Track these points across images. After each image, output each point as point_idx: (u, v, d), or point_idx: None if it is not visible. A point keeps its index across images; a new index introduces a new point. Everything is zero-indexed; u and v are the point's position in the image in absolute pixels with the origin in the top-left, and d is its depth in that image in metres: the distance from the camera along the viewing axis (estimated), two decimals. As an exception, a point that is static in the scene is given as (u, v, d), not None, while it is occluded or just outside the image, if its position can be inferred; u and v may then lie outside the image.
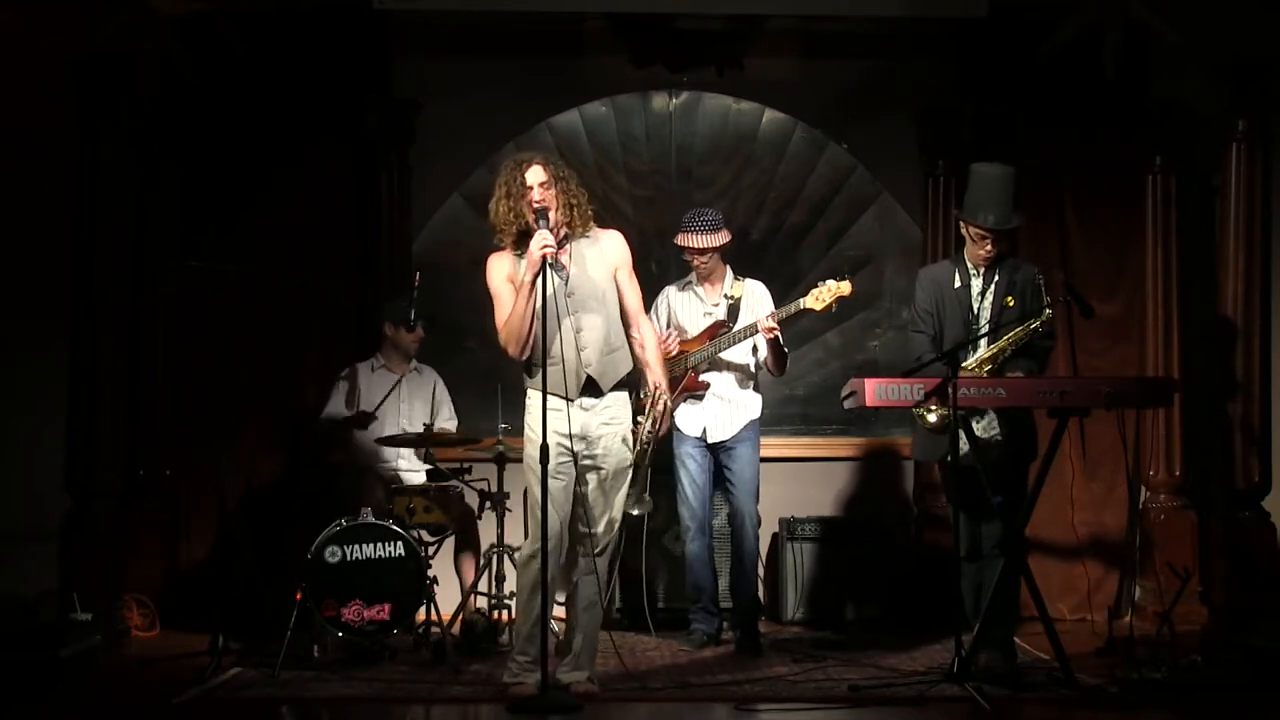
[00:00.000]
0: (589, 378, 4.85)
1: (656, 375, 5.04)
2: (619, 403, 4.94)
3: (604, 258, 4.95)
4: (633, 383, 5.07)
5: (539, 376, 4.81)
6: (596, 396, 4.88)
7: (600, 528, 4.92)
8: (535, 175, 4.82)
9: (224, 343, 6.64)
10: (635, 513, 5.41)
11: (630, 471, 4.97)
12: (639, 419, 5.04)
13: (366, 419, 6.18)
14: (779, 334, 5.80)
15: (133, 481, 6.45)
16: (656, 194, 7.04)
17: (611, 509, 4.94)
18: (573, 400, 4.81)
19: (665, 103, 7.07)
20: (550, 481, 4.77)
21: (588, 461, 4.88)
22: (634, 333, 5.04)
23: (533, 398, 4.89)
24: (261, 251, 6.70)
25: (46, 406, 6.27)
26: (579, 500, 4.89)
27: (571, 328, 4.82)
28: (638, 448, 4.99)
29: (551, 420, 4.74)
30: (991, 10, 6.53)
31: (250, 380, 6.61)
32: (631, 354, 5.03)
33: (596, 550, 4.92)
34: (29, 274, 6.33)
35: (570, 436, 4.83)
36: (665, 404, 5.01)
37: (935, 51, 6.90)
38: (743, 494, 5.94)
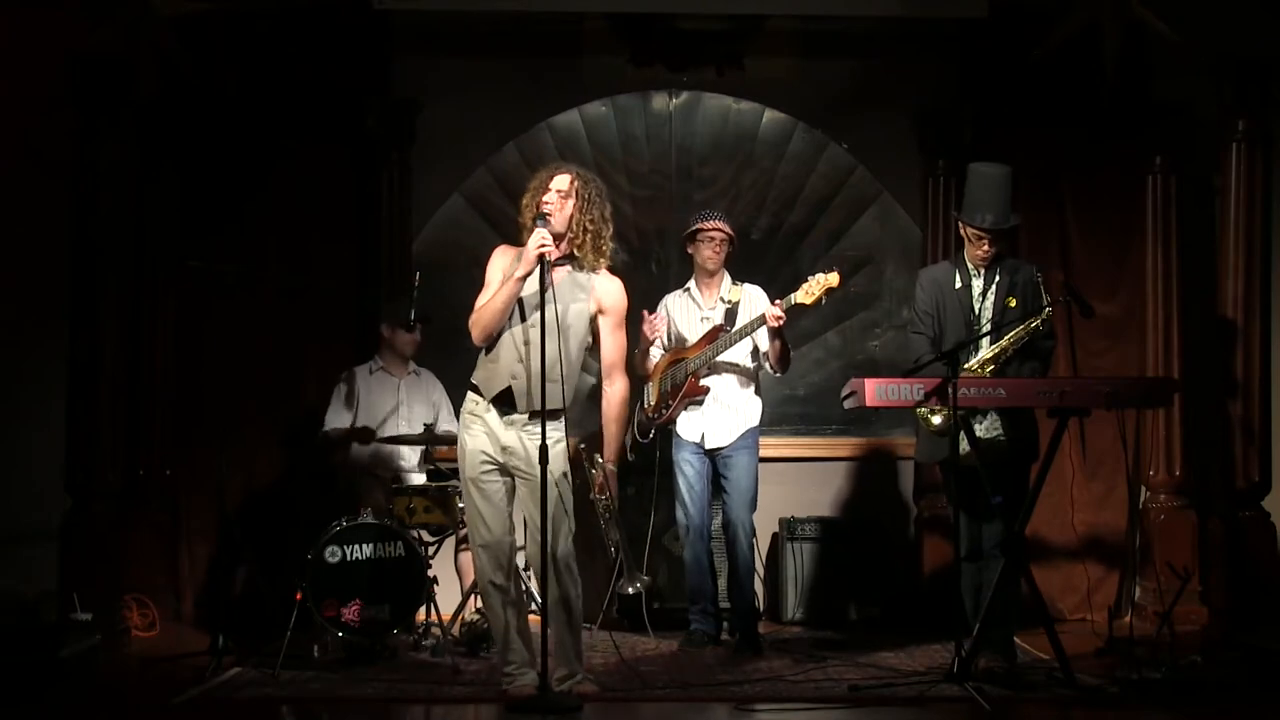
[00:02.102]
0: (509, 389, 4.80)
1: (607, 435, 4.94)
2: (538, 420, 4.75)
3: (592, 296, 4.89)
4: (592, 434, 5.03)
5: (478, 372, 4.86)
6: (510, 410, 4.81)
7: (540, 535, 4.74)
8: (560, 181, 4.82)
9: (224, 343, 6.65)
10: (630, 592, 5.41)
11: (566, 481, 4.82)
12: (592, 497, 4.98)
13: (368, 435, 6.18)
14: (782, 324, 5.72)
15: (133, 481, 6.44)
16: (656, 194, 7.03)
17: (554, 520, 4.71)
18: (487, 400, 4.82)
19: (665, 103, 7.07)
20: (481, 490, 4.84)
21: (517, 473, 4.85)
22: (605, 385, 4.97)
23: (468, 401, 4.91)
24: (261, 251, 6.71)
25: (47, 407, 6.26)
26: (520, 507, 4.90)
27: (521, 338, 4.79)
28: (601, 522, 4.97)
29: (478, 429, 4.83)
30: (991, 10, 6.54)
31: (250, 380, 6.63)
32: (589, 400, 5.00)
33: (524, 567, 4.91)
34: (29, 274, 6.33)
35: (495, 447, 4.83)
36: (609, 471, 4.95)
37: (935, 51, 6.90)
38: (738, 504, 5.92)
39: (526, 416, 4.82)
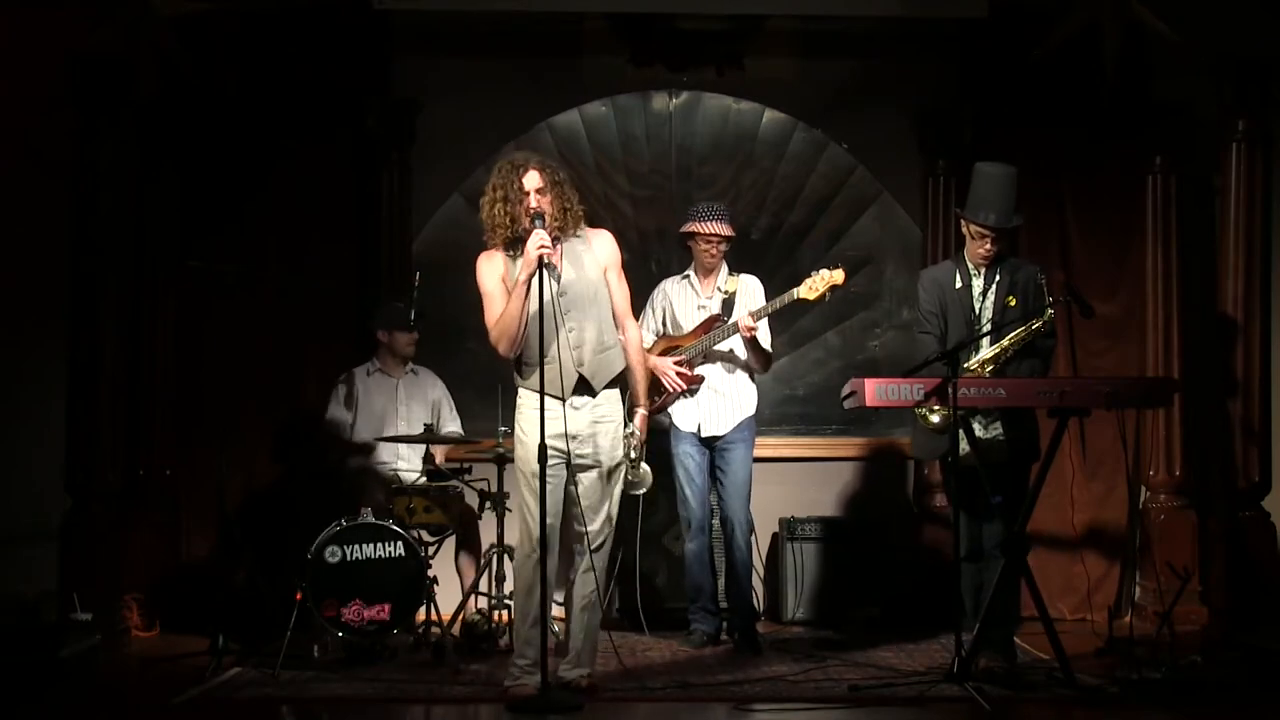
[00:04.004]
0: (581, 377, 4.85)
1: (635, 379, 5.06)
2: (609, 400, 4.94)
3: (595, 257, 4.97)
4: (624, 383, 5.06)
5: (531, 377, 4.83)
6: (589, 395, 4.88)
7: (596, 525, 4.92)
8: (532, 181, 4.83)
9: (224, 343, 6.65)
10: (637, 493, 5.40)
11: (624, 469, 4.99)
12: (628, 434, 5.03)
13: (360, 406, 6.19)
14: (756, 333, 5.81)
15: (133, 481, 6.44)
16: (656, 194, 7.04)
17: (607, 506, 4.94)
18: (565, 399, 4.81)
19: (665, 103, 7.07)
20: (538, 487, 4.79)
21: (581, 461, 4.87)
22: (619, 334, 5.04)
23: (524, 397, 4.91)
24: (261, 252, 6.71)
25: (47, 407, 6.26)
26: (572, 500, 4.88)
27: (565, 331, 4.82)
28: (631, 460, 5.01)
29: (537, 429, 4.75)
30: (991, 10, 6.54)
31: (250, 380, 6.63)
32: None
33: (594, 547, 4.92)
34: (29, 274, 6.33)
35: (562, 436, 4.79)
36: (643, 416, 5.06)
37: (935, 51, 6.90)
38: (734, 498, 5.93)
39: (593, 395, 4.88)
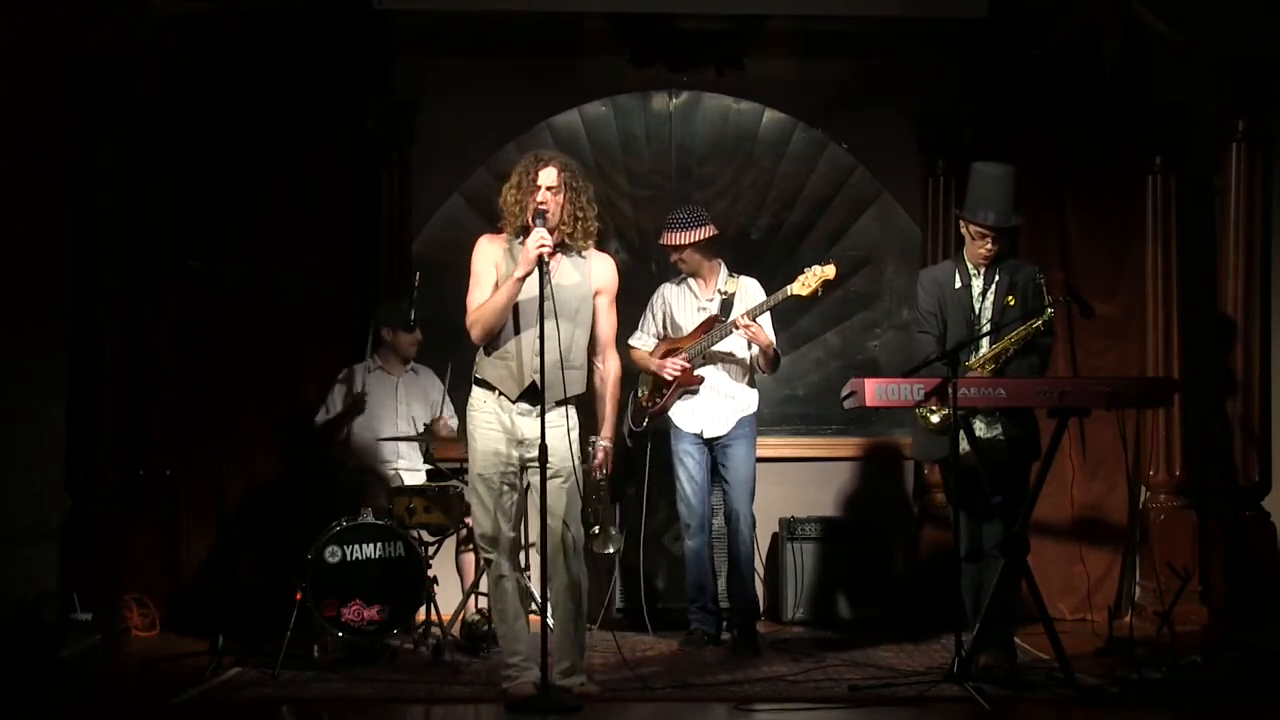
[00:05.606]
0: (532, 385, 4.80)
1: (604, 410, 5.02)
2: (556, 410, 4.84)
3: (589, 277, 4.94)
4: (584, 403, 5.01)
5: (487, 367, 4.87)
6: (535, 403, 4.79)
7: (563, 526, 4.83)
8: (547, 177, 4.83)
9: (224, 343, 6.65)
10: (608, 551, 5.41)
11: (579, 471, 4.91)
12: (587, 467, 5.00)
13: (360, 403, 6.20)
14: (758, 331, 5.81)
15: (133, 481, 6.45)
16: (656, 194, 7.03)
17: (563, 506, 4.83)
18: (512, 400, 4.83)
19: (665, 103, 7.07)
20: (492, 487, 4.84)
21: (531, 465, 4.84)
22: (598, 362, 5.01)
23: (477, 396, 4.92)
24: (261, 251, 6.71)
25: (47, 407, 6.26)
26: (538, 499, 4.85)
27: (534, 334, 4.80)
28: (593, 491, 4.98)
29: (490, 426, 4.82)
30: (991, 10, 6.54)
31: (250, 380, 6.63)
32: (590, 382, 4.99)
33: (566, 550, 4.85)
34: (29, 274, 6.33)
35: (516, 442, 4.83)
36: (605, 449, 5.01)
37: (935, 51, 6.90)
38: (738, 494, 5.94)
39: (537, 404, 4.82)
